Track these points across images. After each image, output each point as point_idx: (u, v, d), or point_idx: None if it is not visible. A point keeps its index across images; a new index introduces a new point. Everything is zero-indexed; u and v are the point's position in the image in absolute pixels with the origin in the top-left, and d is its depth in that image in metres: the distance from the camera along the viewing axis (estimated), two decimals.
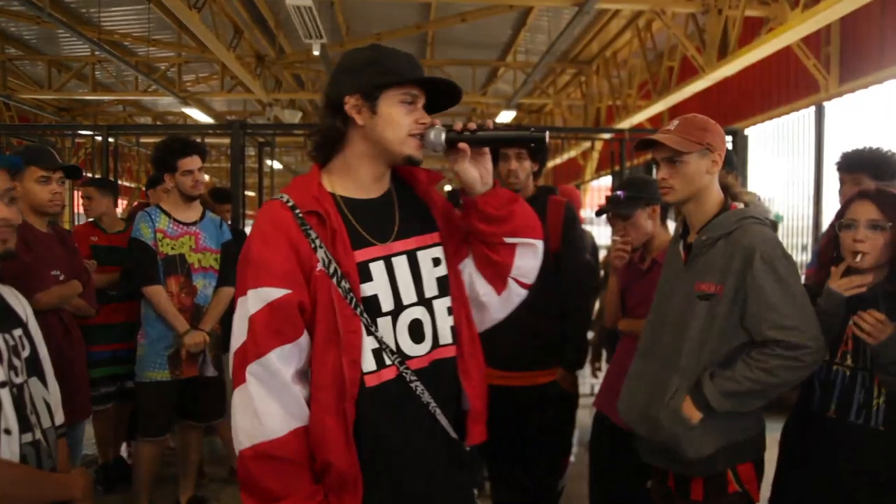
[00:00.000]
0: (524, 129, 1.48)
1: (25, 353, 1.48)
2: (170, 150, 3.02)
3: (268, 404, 1.23)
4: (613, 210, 2.45)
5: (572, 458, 4.01)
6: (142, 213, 3.05)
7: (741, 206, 1.79)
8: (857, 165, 2.55)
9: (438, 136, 1.35)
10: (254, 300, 1.26)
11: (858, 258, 1.74)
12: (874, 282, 1.77)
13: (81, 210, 4.18)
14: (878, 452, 1.74)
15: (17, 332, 1.47)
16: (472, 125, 1.37)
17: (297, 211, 1.30)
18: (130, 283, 3.01)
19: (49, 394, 1.53)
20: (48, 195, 2.57)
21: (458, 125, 1.38)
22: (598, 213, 2.67)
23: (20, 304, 1.53)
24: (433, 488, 1.35)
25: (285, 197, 1.32)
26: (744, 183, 5.86)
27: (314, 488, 1.26)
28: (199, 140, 7.45)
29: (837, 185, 2.66)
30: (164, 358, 2.97)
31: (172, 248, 3.01)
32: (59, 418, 1.56)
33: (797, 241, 6.43)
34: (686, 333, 1.75)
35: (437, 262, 1.41)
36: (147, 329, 3.00)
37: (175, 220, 3.05)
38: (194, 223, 3.10)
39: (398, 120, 1.33)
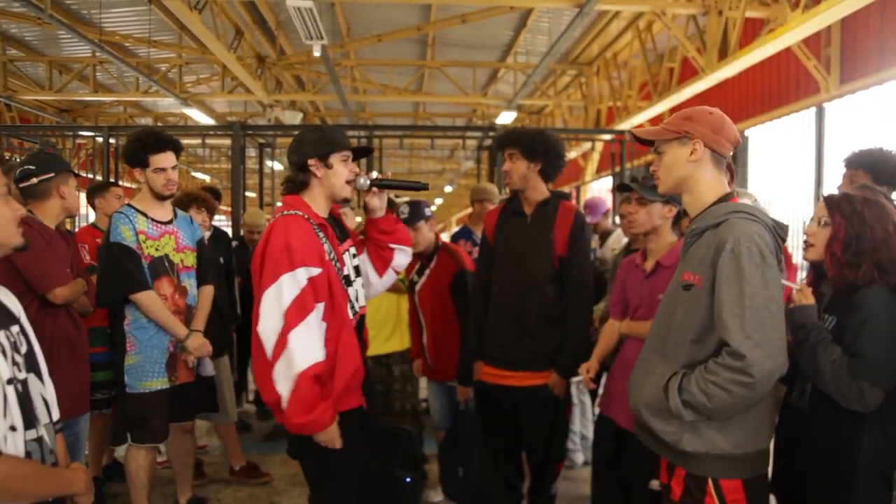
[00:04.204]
0: (412, 182, 2.31)
1: (24, 350, 1.49)
2: (142, 144, 2.80)
3: (320, 337, 1.98)
4: (638, 189, 2.43)
5: (579, 460, 4.02)
6: (117, 215, 2.81)
7: (747, 200, 1.75)
8: (856, 162, 2.60)
9: (364, 183, 2.19)
10: (305, 273, 1.96)
11: (808, 251, 1.97)
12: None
13: (83, 212, 4.24)
14: (804, 433, 1.89)
15: (15, 328, 1.48)
16: (380, 176, 2.27)
17: (312, 221, 2.06)
18: (111, 292, 2.78)
19: (45, 390, 1.54)
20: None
21: (372, 175, 2.24)
22: (620, 188, 2.67)
23: (12, 302, 1.53)
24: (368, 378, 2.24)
25: (301, 213, 2.06)
26: (744, 183, 5.88)
27: (328, 403, 1.97)
28: (199, 141, 7.51)
29: (839, 185, 2.68)
30: (161, 365, 2.82)
31: (157, 250, 2.84)
32: (56, 414, 1.57)
33: (798, 241, 6.44)
34: (672, 322, 1.73)
35: (353, 255, 2.25)
36: (137, 337, 2.80)
37: (153, 219, 2.86)
38: (170, 222, 2.94)
39: (341, 172, 2.12)
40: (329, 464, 2.08)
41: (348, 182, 2.14)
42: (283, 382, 1.91)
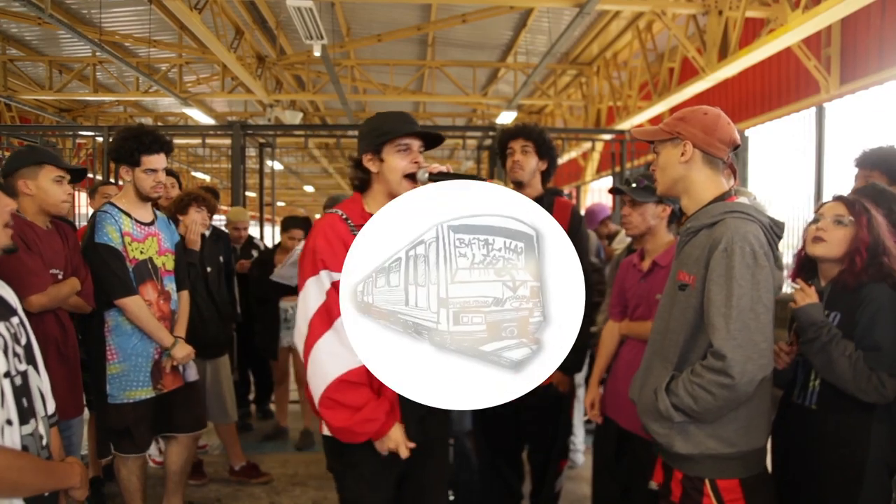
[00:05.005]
0: (472, 176, 1.88)
1: (24, 341, 1.49)
2: (136, 142, 2.67)
3: (343, 353, 1.73)
4: (629, 192, 2.45)
5: (580, 460, 4.02)
6: (102, 215, 2.68)
7: (743, 200, 1.74)
8: (871, 162, 2.59)
9: (423, 175, 1.85)
10: (325, 278, 1.80)
11: (817, 246, 1.93)
12: (830, 278, 1.96)
13: (84, 211, 4.24)
14: (811, 431, 1.90)
15: (15, 319, 1.48)
16: (441, 169, 1.87)
17: (350, 222, 1.86)
18: (100, 295, 2.66)
19: (42, 382, 1.54)
20: (63, 195, 2.53)
21: (433, 168, 1.86)
22: (612, 191, 2.68)
23: (8, 294, 1.53)
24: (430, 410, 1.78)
25: (340, 212, 1.89)
26: (744, 183, 5.87)
27: (381, 400, 1.78)
28: (199, 141, 7.51)
29: (839, 185, 2.68)
30: (146, 374, 2.71)
31: (141, 252, 2.72)
32: (51, 407, 1.57)
33: (797, 241, 6.43)
34: (668, 323, 1.74)
35: None
36: (119, 344, 2.69)
37: (137, 220, 2.74)
38: (152, 223, 2.83)
39: (395, 165, 1.86)
40: (342, 490, 1.95)
41: (407, 176, 1.86)
42: (315, 390, 1.79)
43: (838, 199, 1.98)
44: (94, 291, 2.67)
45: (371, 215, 1.78)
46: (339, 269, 1.73)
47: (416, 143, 1.88)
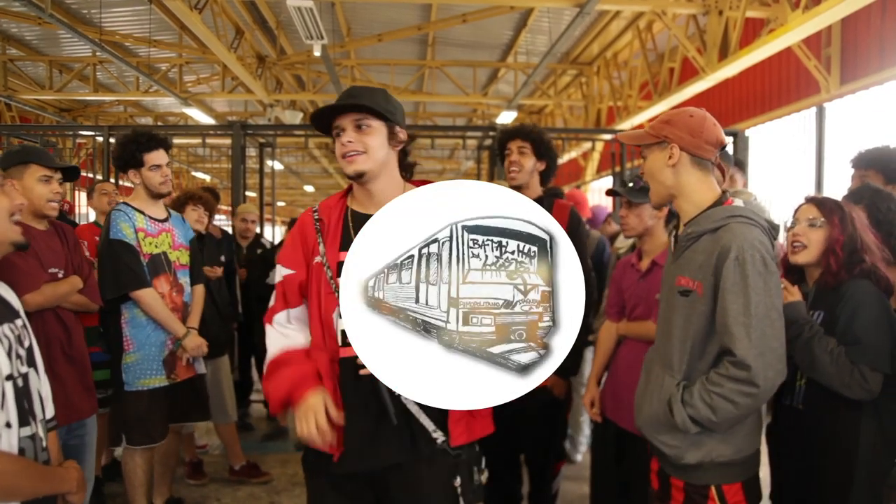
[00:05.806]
0: None
1: (27, 344, 1.49)
2: (135, 144, 2.81)
3: (289, 337, 1.73)
4: (625, 193, 2.46)
5: (579, 458, 4.03)
6: (116, 213, 2.82)
7: (739, 202, 1.72)
8: (866, 162, 2.60)
9: None
10: (278, 272, 1.77)
11: (798, 250, 1.98)
12: (814, 279, 2.00)
13: (84, 210, 4.24)
14: (801, 431, 1.91)
15: (19, 321, 1.49)
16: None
17: (316, 216, 1.76)
18: (112, 289, 2.74)
19: (42, 386, 1.54)
20: (49, 194, 2.50)
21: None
22: (609, 193, 2.70)
23: (11, 296, 1.53)
24: (377, 433, 1.67)
25: (315, 206, 1.80)
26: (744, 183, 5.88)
27: (298, 368, 1.66)
28: (199, 141, 7.51)
29: (839, 186, 2.69)
30: (159, 362, 2.84)
31: (156, 247, 2.87)
32: (50, 411, 1.57)
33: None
34: (671, 329, 1.70)
35: None
36: (134, 334, 2.82)
37: (151, 217, 2.90)
38: (166, 220, 2.98)
39: (336, 151, 1.71)
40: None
41: (343, 157, 1.67)
42: None
43: (810, 200, 2.01)
44: (101, 287, 2.71)
45: (347, 208, 1.75)
46: (289, 265, 1.75)
47: (347, 121, 1.63)
